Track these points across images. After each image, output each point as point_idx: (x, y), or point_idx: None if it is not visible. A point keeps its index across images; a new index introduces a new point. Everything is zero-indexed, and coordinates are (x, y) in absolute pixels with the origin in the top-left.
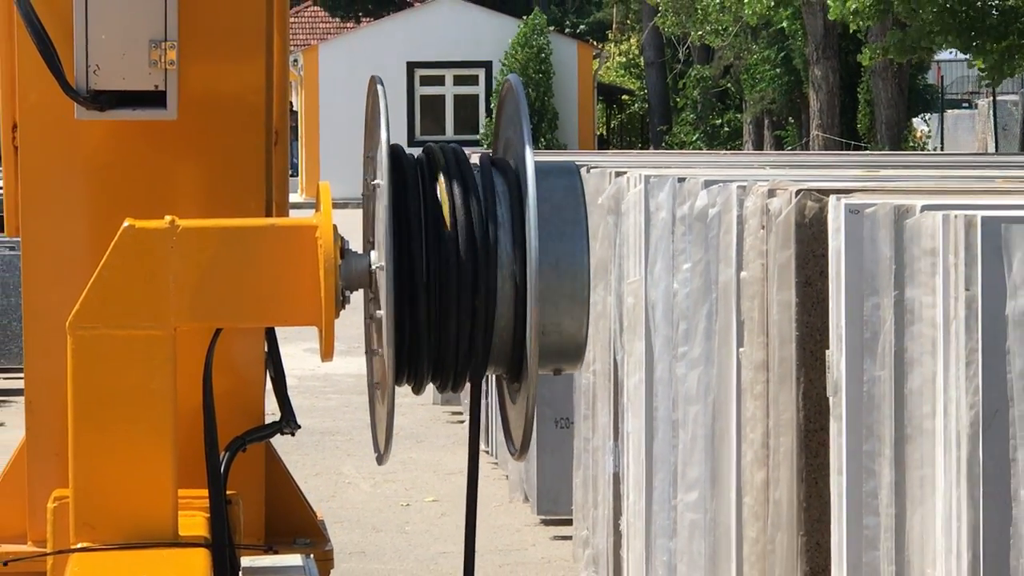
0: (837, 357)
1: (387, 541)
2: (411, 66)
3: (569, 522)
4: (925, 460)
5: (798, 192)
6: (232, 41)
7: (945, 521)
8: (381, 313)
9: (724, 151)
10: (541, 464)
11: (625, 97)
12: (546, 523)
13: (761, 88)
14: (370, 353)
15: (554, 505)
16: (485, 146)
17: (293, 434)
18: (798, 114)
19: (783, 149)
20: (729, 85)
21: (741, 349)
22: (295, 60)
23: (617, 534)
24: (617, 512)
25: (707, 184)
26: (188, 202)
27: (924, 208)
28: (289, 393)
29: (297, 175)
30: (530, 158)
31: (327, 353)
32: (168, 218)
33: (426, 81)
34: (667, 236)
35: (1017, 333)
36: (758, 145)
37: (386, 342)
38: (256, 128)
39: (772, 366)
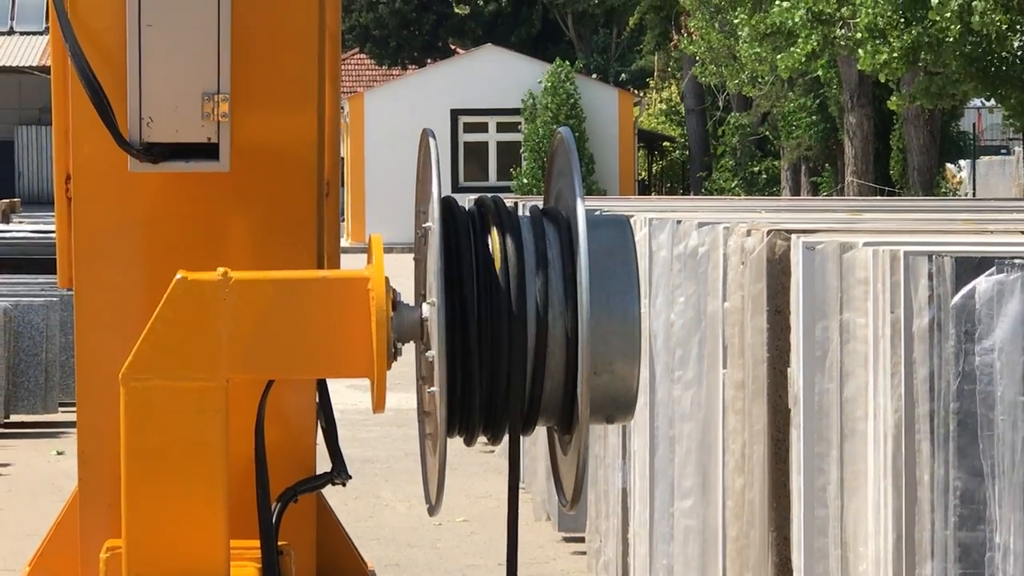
0: (797, 374)
1: (420, 556)
2: (455, 113)
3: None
4: (858, 456)
5: (768, 232)
6: (284, 93)
7: (875, 507)
8: (432, 360)
9: (762, 197)
10: None
11: (666, 144)
12: (567, 540)
13: (797, 135)
14: (422, 406)
15: (574, 523)
16: (517, 192)
17: (344, 484)
18: (834, 160)
19: (818, 195)
20: (767, 132)
21: (724, 370)
22: (341, 107)
23: (625, 543)
24: (625, 524)
25: (700, 225)
26: (240, 254)
27: (865, 244)
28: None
29: (344, 220)
30: (581, 208)
31: (379, 405)
32: (221, 270)
33: (470, 128)
34: (667, 273)
35: (920, 347)
36: (795, 191)
37: (438, 393)
38: (308, 180)
39: (747, 384)
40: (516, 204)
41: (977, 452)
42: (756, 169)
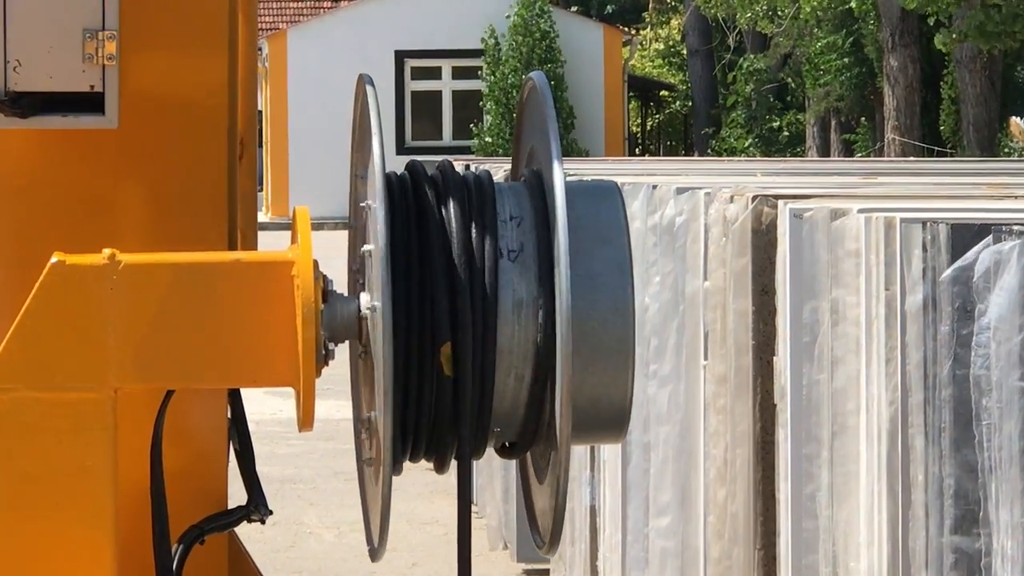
0: (783, 363)
1: None
2: (400, 56)
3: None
4: (849, 456)
5: (754, 198)
6: (186, 30)
7: (867, 514)
8: (374, 366)
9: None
10: (520, 507)
11: (664, 93)
12: (528, 573)
13: (826, 82)
14: (360, 422)
15: (535, 552)
16: (478, 153)
17: (263, 520)
18: (872, 113)
19: (852, 155)
20: (788, 78)
21: (704, 362)
22: (259, 49)
23: (593, 571)
24: (594, 548)
25: (679, 192)
26: (132, 231)
27: (859, 211)
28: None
29: (262, 189)
30: (559, 174)
31: (306, 422)
32: (107, 252)
33: (419, 74)
34: (641, 247)
35: (913, 327)
36: (823, 151)
37: (383, 408)
38: (216, 139)
39: (730, 377)
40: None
41: (972, 446)
42: (775, 124)
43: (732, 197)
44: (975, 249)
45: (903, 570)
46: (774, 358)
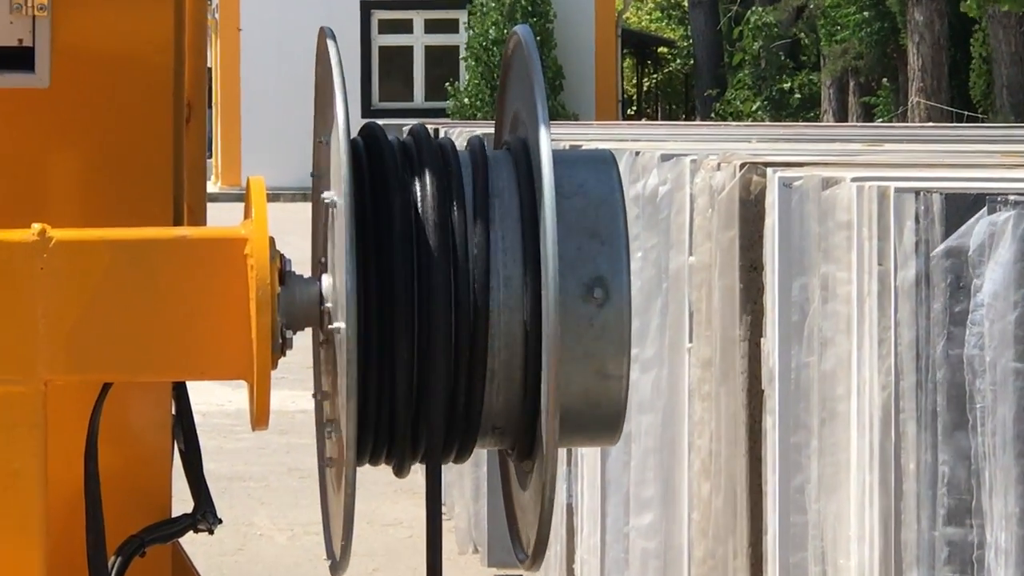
0: (772, 345)
1: None
2: (367, 6)
3: None
4: (839, 445)
5: (743, 165)
6: None
7: (859, 507)
8: (337, 356)
9: (793, 123)
10: (492, 507)
11: (662, 50)
12: None
13: (843, 38)
14: (322, 419)
15: (508, 555)
16: (454, 116)
17: (211, 530)
18: (894, 73)
19: (872, 120)
20: (802, 34)
21: (689, 345)
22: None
23: (570, 574)
24: (571, 550)
25: (663, 159)
26: (65, 204)
27: (853, 180)
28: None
29: (211, 156)
30: (546, 141)
31: (260, 419)
32: (37, 227)
33: (388, 27)
34: None
35: (906, 305)
36: (841, 115)
37: (346, 404)
38: (161, 101)
39: (715, 361)
40: (438, 133)
41: (966, 431)
42: (787, 85)
43: (719, 165)
44: (970, 221)
45: (895, 567)
46: (762, 340)
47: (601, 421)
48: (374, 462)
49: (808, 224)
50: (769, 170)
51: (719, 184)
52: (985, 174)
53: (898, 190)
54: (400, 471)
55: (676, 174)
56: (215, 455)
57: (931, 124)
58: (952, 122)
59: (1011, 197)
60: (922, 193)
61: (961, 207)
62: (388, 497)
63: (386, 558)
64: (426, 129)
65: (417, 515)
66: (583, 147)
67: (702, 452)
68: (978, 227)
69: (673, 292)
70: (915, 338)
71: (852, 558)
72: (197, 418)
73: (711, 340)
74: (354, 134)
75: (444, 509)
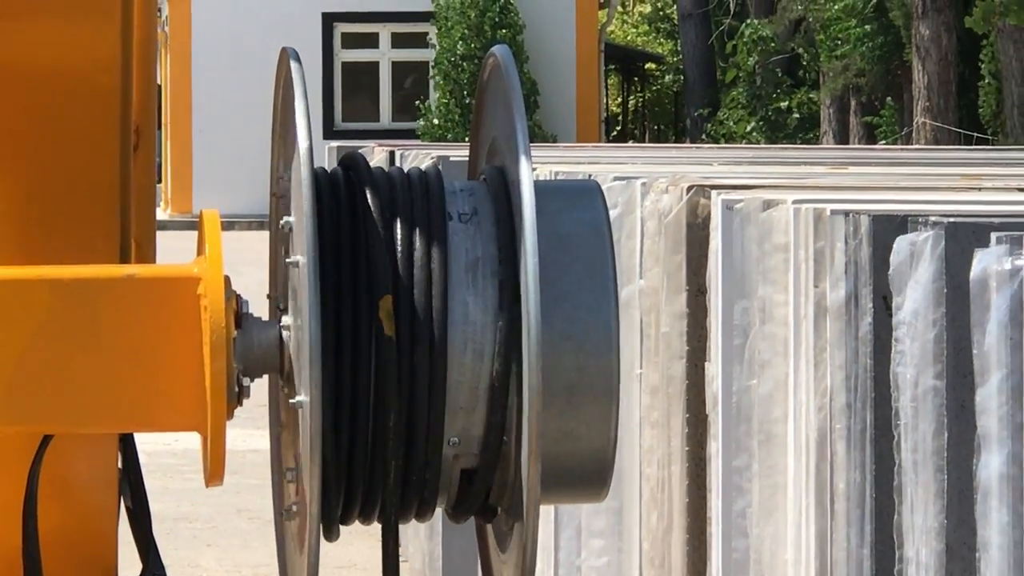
0: (716, 369)
1: None
2: (329, 19)
3: None
4: (777, 468)
5: (690, 188)
6: None
7: (795, 530)
8: (299, 406)
9: (790, 146)
10: (447, 542)
11: (650, 66)
12: None
13: (844, 53)
14: (280, 472)
15: None
16: (424, 138)
17: None
18: (899, 92)
19: (875, 142)
20: (800, 49)
21: (639, 371)
22: (158, 10)
23: None
24: None
25: (615, 180)
26: (1, 239)
27: (794, 202)
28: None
29: (161, 181)
30: (527, 172)
31: (215, 474)
32: None
33: (351, 42)
34: None
35: (836, 325)
36: (842, 137)
37: (308, 457)
38: (107, 125)
39: (663, 387)
40: (392, 156)
41: (890, 448)
42: (783, 104)
43: (667, 188)
44: (895, 241)
45: None
46: (706, 364)
47: (586, 475)
48: (345, 517)
49: (749, 246)
50: (714, 192)
51: (667, 207)
52: (927, 196)
53: (834, 212)
54: (403, 520)
55: (627, 197)
56: (161, 495)
57: (929, 147)
58: (960, 144)
59: (931, 218)
60: (851, 215)
61: (888, 228)
62: (342, 539)
63: None
64: (395, 173)
65: (370, 557)
66: (537, 171)
67: (651, 480)
68: (899, 247)
69: (624, 318)
70: (845, 359)
71: None
72: (143, 458)
73: (659, 365)
74: (318, 158)
75: (400, 549)
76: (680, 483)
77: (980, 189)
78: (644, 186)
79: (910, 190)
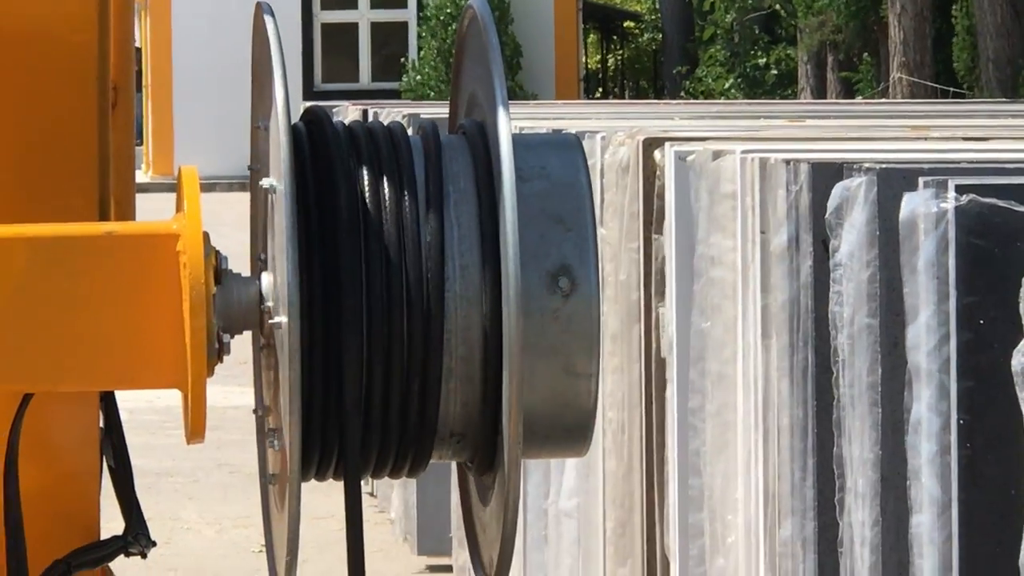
0: (670, 315)
1: None
2: None
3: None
4: (728, 406)
5: (644, 141)
6: None
7: (744, 466)
8: (280, 362)
9: (769, 101)
10: (422, 494)
11: (629, 24)
12: (432, 569)
13: (821, 8)
14: (263, 428)
15: (438, 544)
16: (407, 97)
17: (144, 554)
18: (875, 47)
19: (853, 97)
20: (777, 5)
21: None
22: None
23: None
24: None
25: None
26: None
27: (743, 153)
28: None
29: (141, 143)
30: (506, 125)
31: (195, 431)
32: None
33: (330, 3)
34: None
35: (779, 269)
36: (819, 92)
37: (288, 415)
38: (84, 84)
39: (622, 334)
40: (375, 117)
41: (829, 385)
42: (761, 61)
43: (624, 141)
44: (832, 188)
45: (777, 519)
46: (661, 309)
47: (569, 426)
48: (320, 477)
49: (700, 195)
50: (667, 144)
51: (624, 160)
52: (870, 146)
53: (775, 161)
54: (377, 475)
55: (588, 151)
56: (143, 451)
57: (900, 101)
58: (937, 98)
59: (865, 165)
60: (792, 163)
61: (826, 175)
62: (321, 491)
63: (316, 550)
64: (377, 126)
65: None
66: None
67: (613, 423)
68: (835, 192)
69: None
70: (787, 300)
71: (739, 514)
72: (124, 415)
73: (618, 313)
74: (295, 119)
75: (379, 501)
76: (640, 427)
77: (927, 139)
78: (604, 140)
79: (856, 140)
